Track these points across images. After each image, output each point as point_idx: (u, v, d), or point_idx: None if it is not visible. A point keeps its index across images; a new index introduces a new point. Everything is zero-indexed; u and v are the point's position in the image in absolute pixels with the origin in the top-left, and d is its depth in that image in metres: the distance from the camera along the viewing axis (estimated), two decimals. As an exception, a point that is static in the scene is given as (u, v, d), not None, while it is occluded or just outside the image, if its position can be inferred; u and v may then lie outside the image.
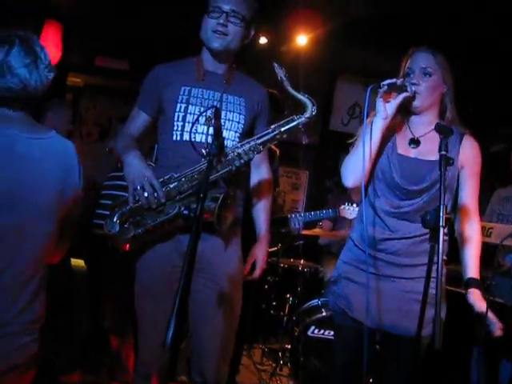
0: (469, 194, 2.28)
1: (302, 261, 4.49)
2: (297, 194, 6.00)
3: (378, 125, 2.18)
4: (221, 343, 2.27)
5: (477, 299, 2.15)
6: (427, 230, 1.87)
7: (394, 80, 2.15)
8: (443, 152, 1.89)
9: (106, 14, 5.08)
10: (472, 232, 2.26)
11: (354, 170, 2.20)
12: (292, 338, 3.91)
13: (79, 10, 5.08)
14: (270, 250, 4.27)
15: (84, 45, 5.65)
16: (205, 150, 2.12)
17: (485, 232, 2.89)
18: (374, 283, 2.22)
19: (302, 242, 4.64)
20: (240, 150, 2.17)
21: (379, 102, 2.17)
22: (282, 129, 2.18)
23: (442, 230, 1.77)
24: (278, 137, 2.20)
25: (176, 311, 1.42)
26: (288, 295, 4.36)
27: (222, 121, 2.28)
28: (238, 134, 2.31)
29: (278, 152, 3.77)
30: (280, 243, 4.36)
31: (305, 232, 4.34)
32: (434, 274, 1.83)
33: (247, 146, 2.18)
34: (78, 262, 3.78)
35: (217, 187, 2.15)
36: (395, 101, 2.17)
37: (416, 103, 2.22)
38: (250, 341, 4.54)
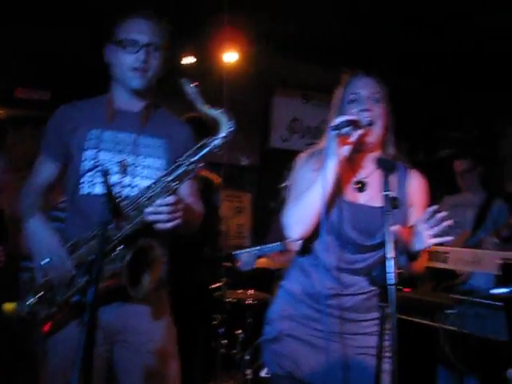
0: None
1: (251, 291, 4.22)
2: (241, 218, 5.72)
3: (331, 170, 1.89)
4: None
5: None
6: None
7: (349, 117, 1.86)
8: (386, 193, 1.66)
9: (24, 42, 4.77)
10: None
11: (302, 220, 1.94)
12: (245, 380, 3.70)
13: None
14: (214, 286, 4.06)
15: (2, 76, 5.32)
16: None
17: (440, 258, 2.71)
18: (325, 341, 1.96)
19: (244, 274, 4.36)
20: (151, 194, 1.87)
21: (334, 145, 1.88)
22: (194, 158, 1.88)
23: (392, 287, 1.54)
24: (192, 168, 1.90)
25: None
26: (239, 331, 4.10)
27: (139, 168, 2.00)
28: None
29: (217, 180, 3.50)
30: (225, 277, 4.09)
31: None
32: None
33: (158, 187, 1.88)
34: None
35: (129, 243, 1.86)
36: (352, 140, 1.89)
37: (370, 138, 1.96)
38: (202, 383, 4.26)
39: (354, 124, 1.87)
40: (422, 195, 2.09)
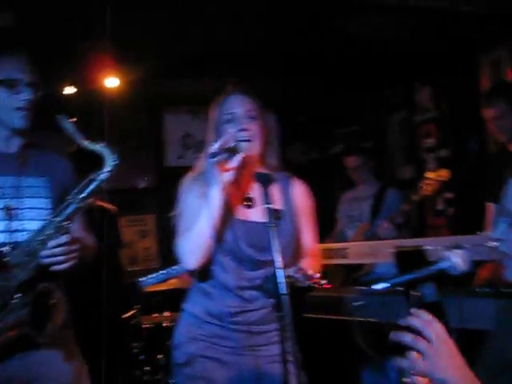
0: (310, 239, 2.16)
1: (166, 314, 4.16)
2: (147, 242, 5.63)
3: (216, 198, 1.92)
4: None
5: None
6: None
7: (225, 144, 1.89)
8: (267, 205, 1.71)
9: None
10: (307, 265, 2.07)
11: (195, 251, 1.96)
12: None
13: None
14: (127, 314, 3.99)
15: None
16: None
17: (340, 254, 2.82)
18: (236, 357, 2.00)
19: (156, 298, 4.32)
20: (43, 237, 1.83)
21: (215, 173, 1.91)
22: (82, 195, 1.86)
23: (285, 297, 1.59)
24: (81, 206, 1.87)
25: None
26: (160, 355, 4.04)
27: (25, 210, 1.94)
28: None
29: (113, 210, 3.45)
30: (137, 304, 4.03)
31: (160, 287, 4.08)
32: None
33: (49, 229, 1.84)
34: None
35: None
36: (232, 166, 1.92)
37: (250, 156, 2.00)
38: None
39: (231, 151, 1.90)
40: (306, 201, 2.17)
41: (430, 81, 4.97)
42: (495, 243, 1.31)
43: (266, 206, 1.73)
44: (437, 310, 1.37)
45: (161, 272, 3.71)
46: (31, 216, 1.95)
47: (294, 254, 2.09)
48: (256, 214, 2.03)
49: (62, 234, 1.84)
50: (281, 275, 1.61)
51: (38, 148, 2.10)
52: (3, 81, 1.95)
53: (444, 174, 3.68)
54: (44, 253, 1.81)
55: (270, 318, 2.02)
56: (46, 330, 1.83)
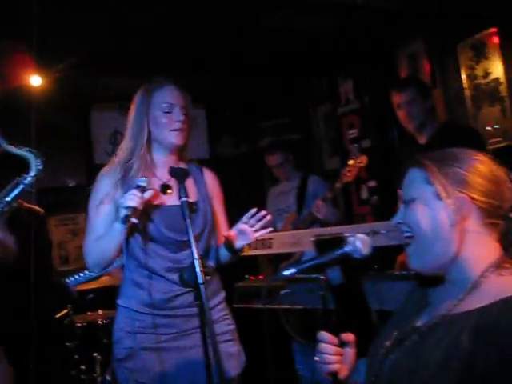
0: (223, 220, 2.32)
1: (99, 311, 4.19)
2: (79, 240, 5.59)
3: (120, 233, 2.00)
4: None
5: None
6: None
7: (132, 203, 1.96)
8: (183, 199, 1.80)
9: None
10: None
11: (99, 263, 2.07)
12: None
13: None
14: (59, 315, 3.97)
15: None
16: None
17: (266, 244, 2.92)
18: (179, 342, 2.06)
19: (91, 295, 4.30)
20: None
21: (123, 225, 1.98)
22: (7, 199, 1.92)
23: (202, 287, 1.68)
24: (6, 209, 1.92)
25: None
26: (95, 353, 4.04)
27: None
28: None
29: (41, 212, 3.42)
30: (68, 304, 4.02)
31: (92, 285, 4.08)
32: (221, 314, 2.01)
33: None
34: None
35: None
36: (145, 198, 2.02)
37: (183, 154, 2.19)
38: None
39: (140, 199, 1.97)
40: (217, 187, 2.31)
41: (351, 74, 5.14)
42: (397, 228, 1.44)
43: (183, 199, 1.81)
44: (343, 292, 1.49)
45: (89, 272, 3.71)
46: None
47: (210, 238, 2.22)
48: (172, 199, 2.13)
49: None
50: (197, 265, 1.69)
51: None
52: None
53: (363, 160, 3.85)
54: None
55: (209, 295, 2.09)
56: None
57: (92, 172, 5.65)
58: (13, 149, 1.92)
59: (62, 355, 4.02)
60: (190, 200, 1.90)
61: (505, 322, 1.12)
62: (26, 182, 1.94)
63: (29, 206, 3.31)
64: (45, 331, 3.51)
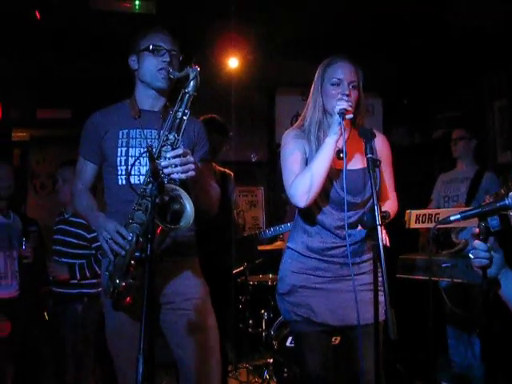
0: (388, 182, 2.50)
1: (270, 275, 4.58)
2: (255, 211, 6.10)
3: (331, 146, 2.26)
4: (205, 366, 2.34)
5: None
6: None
7: (344, 106, 2.24)
8: (369, 155, 2.03)
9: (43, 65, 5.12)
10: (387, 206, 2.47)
11: (309, 190, 2.25)
12: (273, 351, 3.98)
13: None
14: (237, 270, 4.41)
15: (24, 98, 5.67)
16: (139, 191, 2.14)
17: (432, 219, 3.06)
18: (332, 285, 2.34)
19: (264, 258, 4.70)
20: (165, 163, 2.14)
21: (339, 125, 2.23)
22: (181, 108, 2.21)
23: (379, 228, 1.90)
24: (184, 118, 2.21)
25: (142, 349, 1.50)
26: (262, 311, 4.43)
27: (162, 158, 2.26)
28: None
29: (232, 175, 3.86)
30: (245, 262, 4.45)
31: (267, 247, 4.44)
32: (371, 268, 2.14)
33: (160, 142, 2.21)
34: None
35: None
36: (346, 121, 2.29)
37: (356, 122, 2.40)
38: (233, 362, 4.62)
39: (346, 112, 2.25)
40: (386, 151, 2.50)
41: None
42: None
43: (369, 156, 2.04)
44: (501, 237, 1.68)
45: (278, 226, 4.06)
46: None
47: (379, 196, 2.39)
48: (349, 164, 2.36)
49: (176, 148, 2.18)
50: (377, 209, 1.93)
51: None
52: (152, 47, 2.35)
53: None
54: (163, 163, 2.12)
55: (363, 251, 2.38)
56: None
57: (273, 151, 6.19)
58: (178, 74, 2.27)
59: (234, 308, 4.45)
60: (375, 157, 2.10)
61: None
62: (188, 90, 2.20)
63: (221, 168, 3.77)
64: (223, 283, 3.93)
